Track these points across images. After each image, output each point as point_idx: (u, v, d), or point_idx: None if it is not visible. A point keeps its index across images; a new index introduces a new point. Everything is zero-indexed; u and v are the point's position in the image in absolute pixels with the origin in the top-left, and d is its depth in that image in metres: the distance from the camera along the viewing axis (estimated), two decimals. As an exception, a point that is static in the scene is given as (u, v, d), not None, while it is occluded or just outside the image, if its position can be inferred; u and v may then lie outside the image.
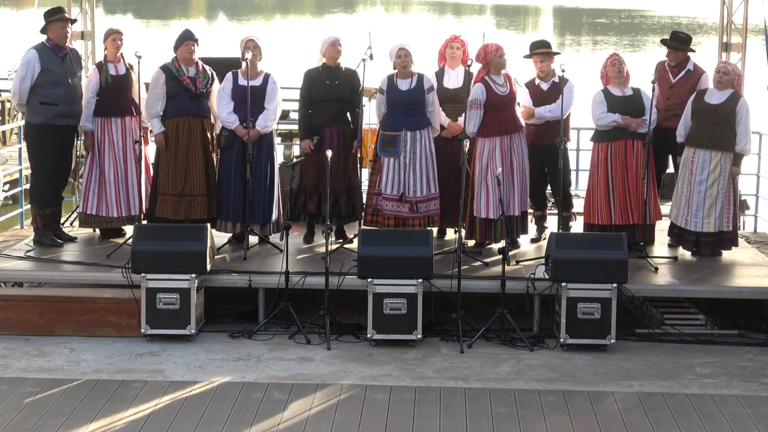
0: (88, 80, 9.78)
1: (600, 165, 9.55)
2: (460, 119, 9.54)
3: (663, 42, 10.12)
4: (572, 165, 10.49)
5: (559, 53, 10.17)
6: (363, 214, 9.74)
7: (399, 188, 9.56)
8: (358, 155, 9.76)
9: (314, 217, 9.77)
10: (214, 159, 9.77)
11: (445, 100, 9.77)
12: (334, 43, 9.59)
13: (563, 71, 9.62)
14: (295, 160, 9.59)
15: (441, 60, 10.03)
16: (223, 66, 9.85)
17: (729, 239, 9.57)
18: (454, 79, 9.83)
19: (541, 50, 10.02)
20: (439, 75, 9.92)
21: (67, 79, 9.56)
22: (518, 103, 9.79)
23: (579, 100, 9.97)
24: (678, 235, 9.66)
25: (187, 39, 9.59)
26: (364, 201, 9.81)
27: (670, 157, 10.15)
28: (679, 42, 10.04)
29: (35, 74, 9.45)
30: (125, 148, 9.76)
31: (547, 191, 10.58)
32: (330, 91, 9.56)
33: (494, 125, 9.44)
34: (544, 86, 9.94)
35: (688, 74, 9.98)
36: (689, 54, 10.03)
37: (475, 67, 9.59)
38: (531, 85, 10.05)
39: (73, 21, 9.97)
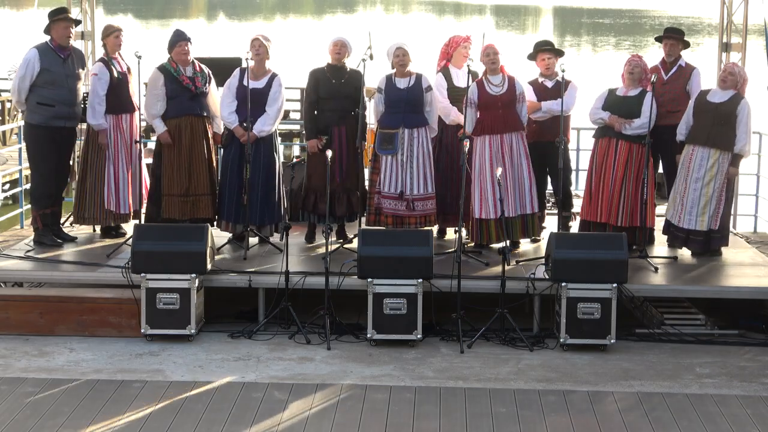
0: (97, 78, 9.63)
1: (589, 161, 9.67)
2: None
3: (658, 39, 10.12)
4: (572, 165, 10.46)
5: (563, 53, 10.16)
6: (366, 213, 9.74)
7: (398, 186, 9.58)
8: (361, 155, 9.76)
9: (323, 217, 9.65)
10: (214, 158, 9.80)
11: (457, 99, 9.74)
12: (336, 44, 9.62)
13: (563, 71, 9.61)
14: (295, 160, 9.58)
15: (442, 58, 10.01)
16: (223, 66, 9.86)
17: (718, 238, 9.54)
18: (462, 78, 9.77)
19: (545, 48, 10.04)
20: (447, 74, 9.92)
21: (67, 80, 9.52)
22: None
23: (581, 101, 9.95)
24: (671, 233, 9.66)
25: (180, 40, 9.58)
26: (367, 201, 9.81)
27: (660, 156, 10.10)
28: (675, 33, 10.06)
29: (34, 74, 9.41)
30: (131, 145, 9.76)
31: (547, 191, 10.58)
32: (337, 90, 9.57)
33: (484, 124, 9.43)
34: (549, 84, 9.94)
35: (680, 70, 9.99)
36: (681, 52, 10.04)
37: (476, 66, 9.59)
38: (535, 83, 10.06)
39: (77, 22, 9.87)
